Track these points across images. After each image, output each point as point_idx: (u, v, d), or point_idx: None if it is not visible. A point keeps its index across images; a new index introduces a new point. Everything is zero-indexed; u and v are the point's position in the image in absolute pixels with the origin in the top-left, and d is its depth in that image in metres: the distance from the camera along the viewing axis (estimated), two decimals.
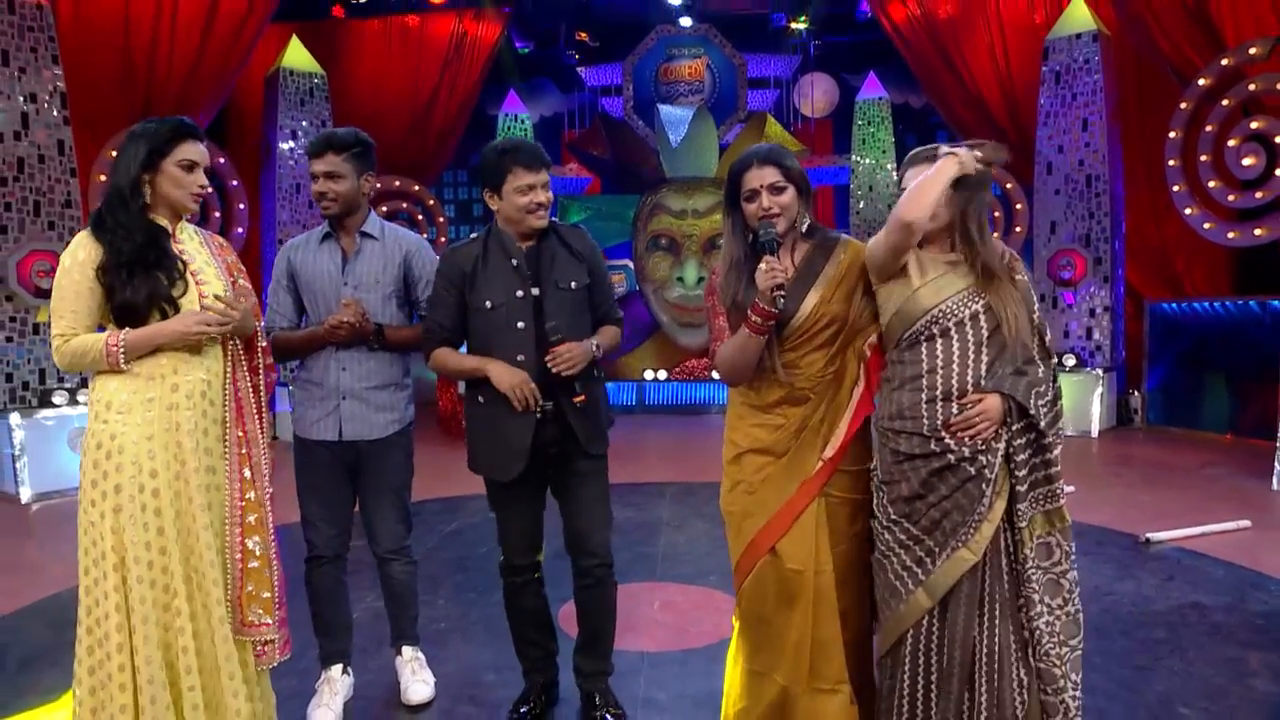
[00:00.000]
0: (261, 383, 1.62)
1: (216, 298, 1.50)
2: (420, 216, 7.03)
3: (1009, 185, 6.25)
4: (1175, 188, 5.16)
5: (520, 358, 1.69)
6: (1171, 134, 5.14)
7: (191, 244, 1.56)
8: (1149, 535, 3.16)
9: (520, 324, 1.71)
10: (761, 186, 1.48)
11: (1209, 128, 4.91)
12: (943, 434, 1.40)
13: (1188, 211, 5.13)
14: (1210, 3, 4.95)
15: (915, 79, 7.10)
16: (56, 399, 4.32)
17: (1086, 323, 5.76)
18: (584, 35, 8.15)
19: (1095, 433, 5.49)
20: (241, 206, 5.81)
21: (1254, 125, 4.72)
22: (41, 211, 4.45)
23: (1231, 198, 4.91)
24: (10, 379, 4.37)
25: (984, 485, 1.39)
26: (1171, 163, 5.14)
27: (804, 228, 1.54)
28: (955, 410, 1.40)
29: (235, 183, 5.78)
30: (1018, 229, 6.24)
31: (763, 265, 1.42)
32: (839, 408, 1.51)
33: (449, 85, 7.14)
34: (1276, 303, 4.92)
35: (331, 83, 6.42)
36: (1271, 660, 2.15)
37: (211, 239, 1.63)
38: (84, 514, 1.46)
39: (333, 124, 6.18)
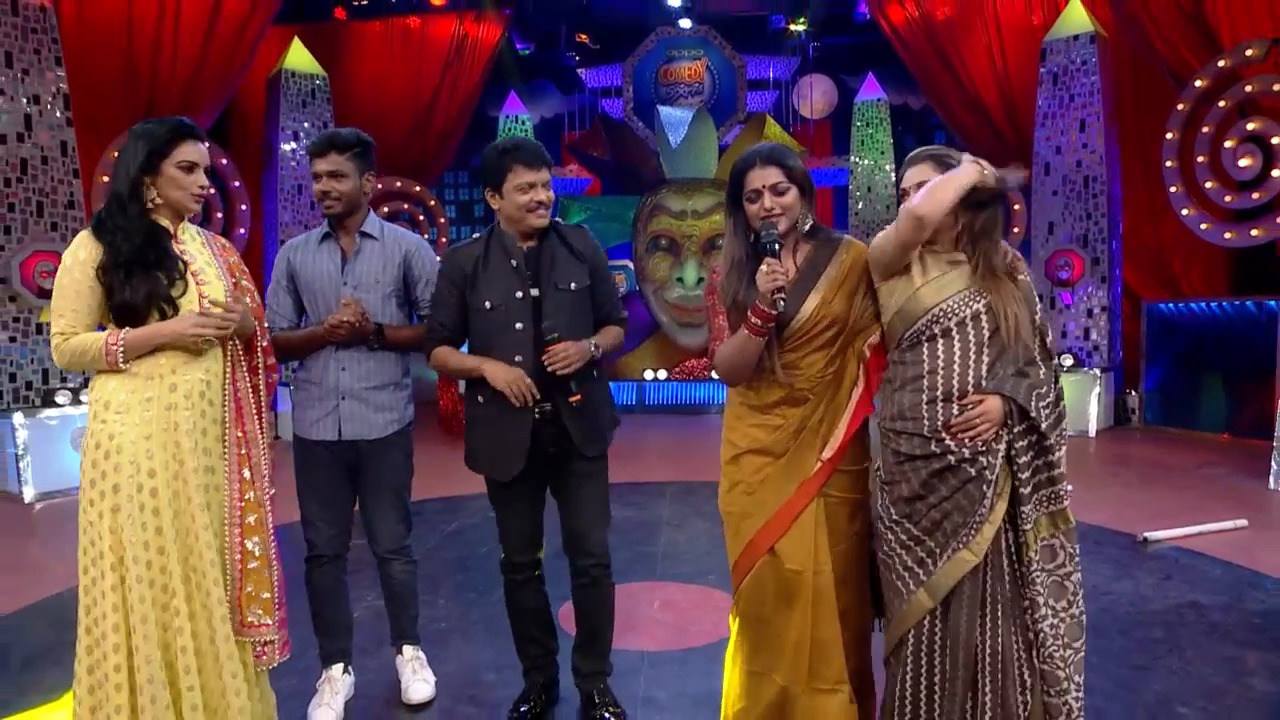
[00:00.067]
0: (262, 383, 1.62)
1: (213, 303, 1.50)
2: (421, 217, 7.04)
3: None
4: (1172, 188, 5.18)
5: (518, 358, 1.69)
6: (1168, 135, 5.15)
7: (193, 244, 1.57)
8: (1146, 535, 3.17)
9: (519, 325, 1.71)
10: (764, 187, 1.48)
11: (1206, 129, 4.92)
12: (943, 435, 1.39)
13: (1185, 212, 5.15)
14: (1207, 5, 4.97)
15: (914, 80, 7.12)
16: (59, 399, 4.33)
17: (1084, 323, 5.78)
18: (584, 37, 8.17)
19: (1093, 432, 5.50)
20: (243, 207, 5.82)
21: (1250, 126, 4.73)
22: (45, 212, 4.46)
23: (1228, 198, 4.93)
24: (14, 379, 4.38)
25: (985, 487, 1.38)
26: (1168, 164, 5.16)
27: (806, 228, 1.54)
28: (956, 411, 1.39)
29: (237, 184, 5.80)
30: (1016, 229, 6.25)
31: (764, 267, 1.41)
32: (838, 408, 1.50)
33: (450, 87, 7.16)
34: (1273, 303, 4.93)
35: (333, 84, 6.44)
36: (1269, 659, 2.15)
37: (214, 240, 1.64)
38: (83, 514, 1.46)
39: (334, 125, 6.20)
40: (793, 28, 7.86)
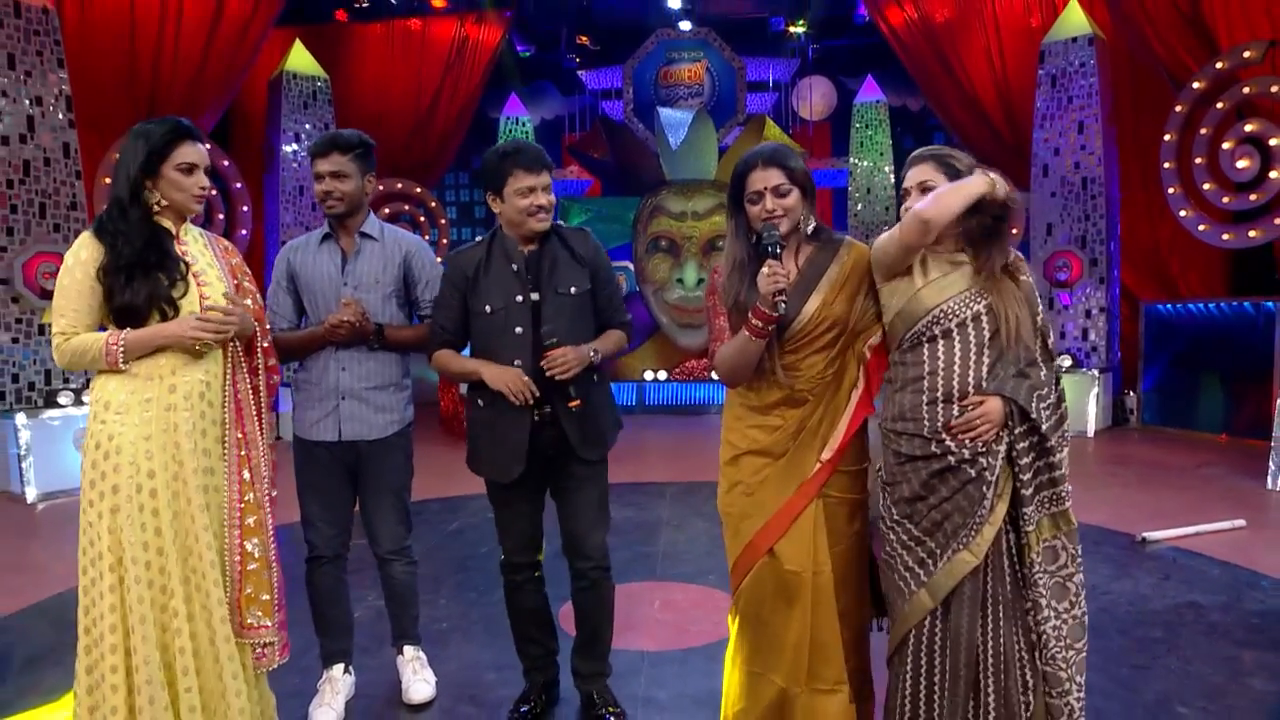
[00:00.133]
0: (262, 384, 1.62)
1: (210, 308, 1.50)
2: (422, 218, 7.05)
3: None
4: (1170, 190, 5.19)
5: (518, 362, 1.69)
6: (1166, 136, 5.17)
7: (196, 246, 1.57)
8: (1145, 535, 3.18)
9: (519, 329, 1.71)
10: (766, 189, 1.47)
11: (1203, 130, 4.94)
12: (943, 436, 1.39)
13: (1182, 213, 5.16)
14: (1204, 7, 4.98)
15: (913, 82, 7.13)
16: (62, 399, 4.34)
17: (1082, 324, 5.79)
18: (585, 39, 8.19)
19: (1091, 433, 5.51)
20: (245, 209, 5.84)
21: (1248, 128, 4.75)
22: (47, 214, 4.47)
23: (1226, 200, 4.94)
24: (16, 379, 4.38)
25: (985, 488, 1.38)
26: (1166, 165, 5.17)
27: (809, 229, 1.53)
28: (956, 412, 1.39)
29: (239, 185, 5.81)
30: (1014, 230, 6.26)
31: (764, 269, 1.40)
32: (837, 409, 1.50)
33: (451, 88, 7.18)
34: (1270, 304, 4.94)
35: (334, 86, 6.45)
36: (1268, 659, 2.16)
37: (217, 242, 1.64)
38: (83, 514, 1.46)
39: (336, 127, 6.21)
40: (792, 30, 7.89)
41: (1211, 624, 2.39)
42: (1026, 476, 1.40)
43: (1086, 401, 5.50)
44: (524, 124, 7.88)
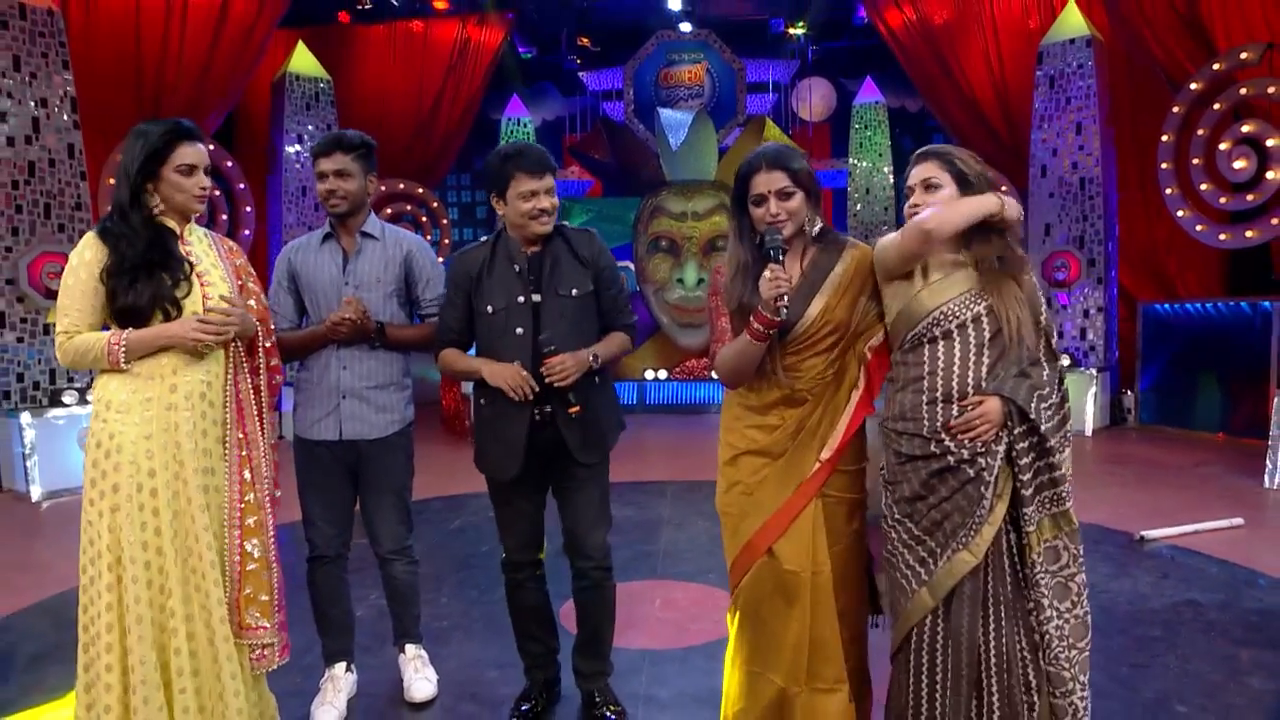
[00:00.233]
0: (264, 384, 1.62)
1: (210, 309, 1.51)
2: (424, 219, 7.07)
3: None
4: (1168, 190, 5.21)
5: (518, 363, 1.69)
6: (1164, 137, 5.18)
7: (200, 246, 1.58)
8: (1143, 533, 3.19)
9: (519, 330, 1.71)
10: (769, 192, 1.46)
11: (1201, 131, 4.95)
12: (943, 436, 1.39)
13: (1180, 214, 5.17)
14: (1202, 8, 5.00)
15: (911, 83, 7.15)
16: (66, 398, 4.36)
17: (1080, 323, 5.80)
18: (585, 40, 8.21)
19: (1089, 432, 5.53)
20: (248, 209, 5.86)
21: (1245, 129, 4.76)
22: (52, 214, 4.48)
23: (1223, 200, 4.96)
24: (21, 379, 4.40)
25: (984, 488, 1.38)
26: (1164, 166, 5.19)
27: (814, 231, 1.52)
28: (955, 412, 1.39)
29: (242, 186, 5.83)
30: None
31: (767, 274, 1.39)
32: (836, 409, 1.50)
33: (453, 90, 7.20)
34: (1267, 304, 4.95)
35: (337, 87, 6.47)
36: (1265, 657, 2.16)
37: (221, 242, 1.64)
38: (84, 512, 1.47)
39: (338, 128, 6.20)
40: (792, 31, 7.90)
41: (1209, 622, 2.40)
42: (1026, 477, 1.39)
43: (1084, 401, 5.51)
44: (525, 125, 7.89)
